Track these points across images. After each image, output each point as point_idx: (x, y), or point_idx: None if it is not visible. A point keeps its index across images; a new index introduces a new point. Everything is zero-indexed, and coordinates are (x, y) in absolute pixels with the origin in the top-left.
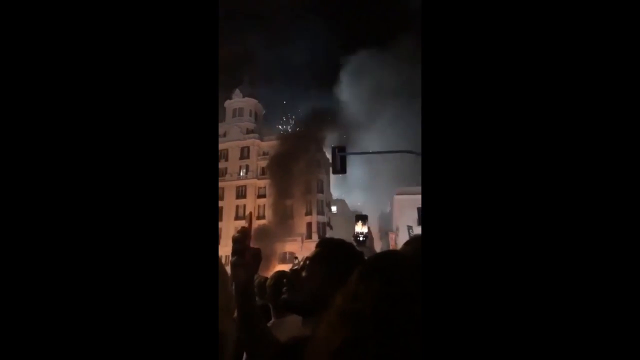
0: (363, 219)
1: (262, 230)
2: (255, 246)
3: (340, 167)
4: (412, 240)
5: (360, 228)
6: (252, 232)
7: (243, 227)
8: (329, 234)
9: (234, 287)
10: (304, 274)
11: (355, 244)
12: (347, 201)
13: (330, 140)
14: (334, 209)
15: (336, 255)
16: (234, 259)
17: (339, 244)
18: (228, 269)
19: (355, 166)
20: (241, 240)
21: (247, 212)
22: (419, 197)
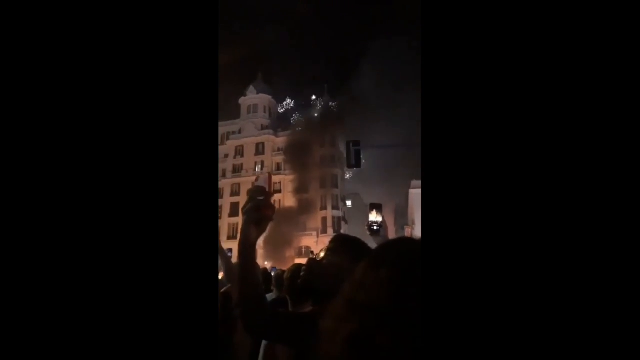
0: (377, 207)
1: (285, 215)
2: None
3: (355, 161)
4: None
5: (374, 217)
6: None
7: (258, 186)
8: (344, 228)
9: (238, 247)
10: (324, 261)
11: (369, 233)
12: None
13: (344, 134)
14: (348, 203)
15: (353, 250)
16: (251, 215)
17: (354, 240)
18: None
19: (370, 160)
20: (263, 195)
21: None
22: None
